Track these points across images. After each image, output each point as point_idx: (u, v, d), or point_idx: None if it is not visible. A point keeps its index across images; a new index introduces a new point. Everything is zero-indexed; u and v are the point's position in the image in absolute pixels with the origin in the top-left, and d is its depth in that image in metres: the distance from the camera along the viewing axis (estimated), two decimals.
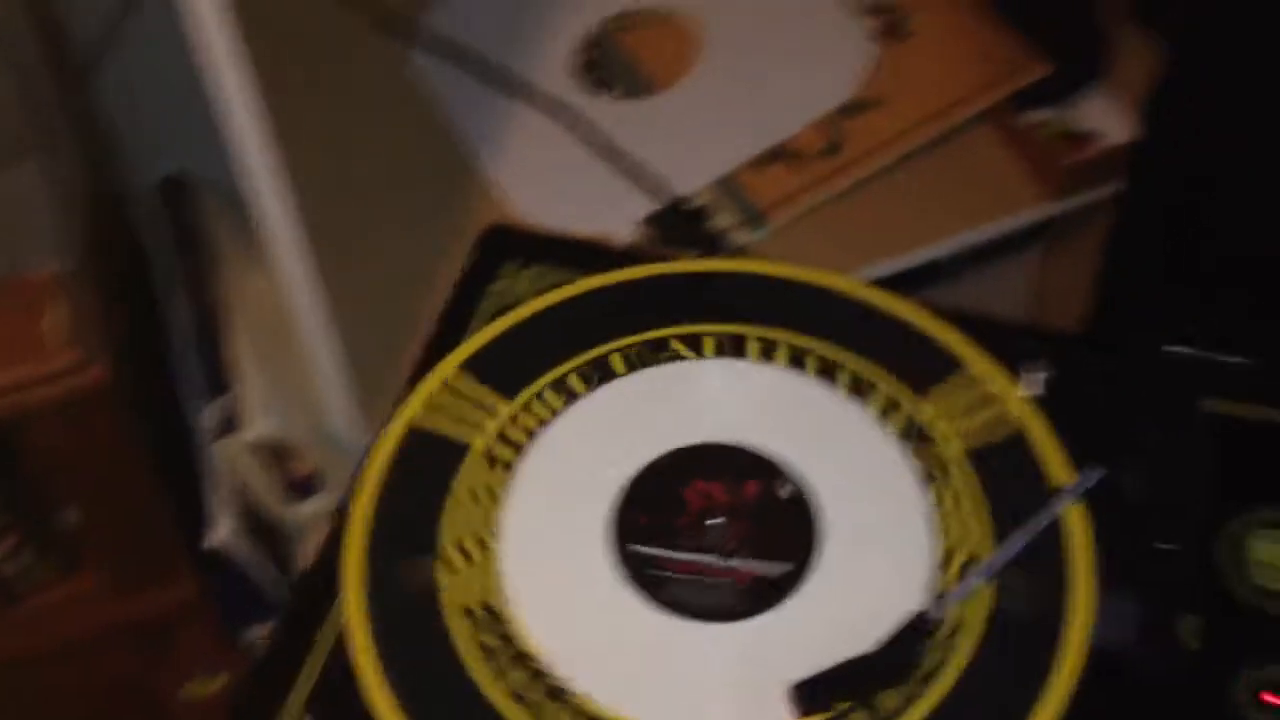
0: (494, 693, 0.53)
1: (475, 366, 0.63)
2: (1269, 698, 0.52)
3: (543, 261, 0.68)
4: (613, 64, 1.15)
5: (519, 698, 0.53)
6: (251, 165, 0.77)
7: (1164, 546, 0.56)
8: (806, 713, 0.51)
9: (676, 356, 0.63)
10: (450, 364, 0.63)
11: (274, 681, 0.55)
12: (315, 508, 0.90)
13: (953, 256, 1.07)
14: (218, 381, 0.90)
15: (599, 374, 0.63)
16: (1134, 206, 0.91)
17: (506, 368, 0.63)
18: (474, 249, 0.69)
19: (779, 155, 1.07)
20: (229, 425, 0.84)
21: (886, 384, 0.61)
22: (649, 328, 0.64)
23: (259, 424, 0.84)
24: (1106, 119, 1.06)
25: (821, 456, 0.59)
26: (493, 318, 0.66)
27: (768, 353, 0.63)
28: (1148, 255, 0.89)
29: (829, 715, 0.51)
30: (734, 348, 0.63)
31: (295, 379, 0.90)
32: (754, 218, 1.02)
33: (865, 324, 0.64)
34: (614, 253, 0.72)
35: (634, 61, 1.15)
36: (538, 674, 0.53)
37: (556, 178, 1.08)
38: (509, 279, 0.68)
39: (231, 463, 0.85)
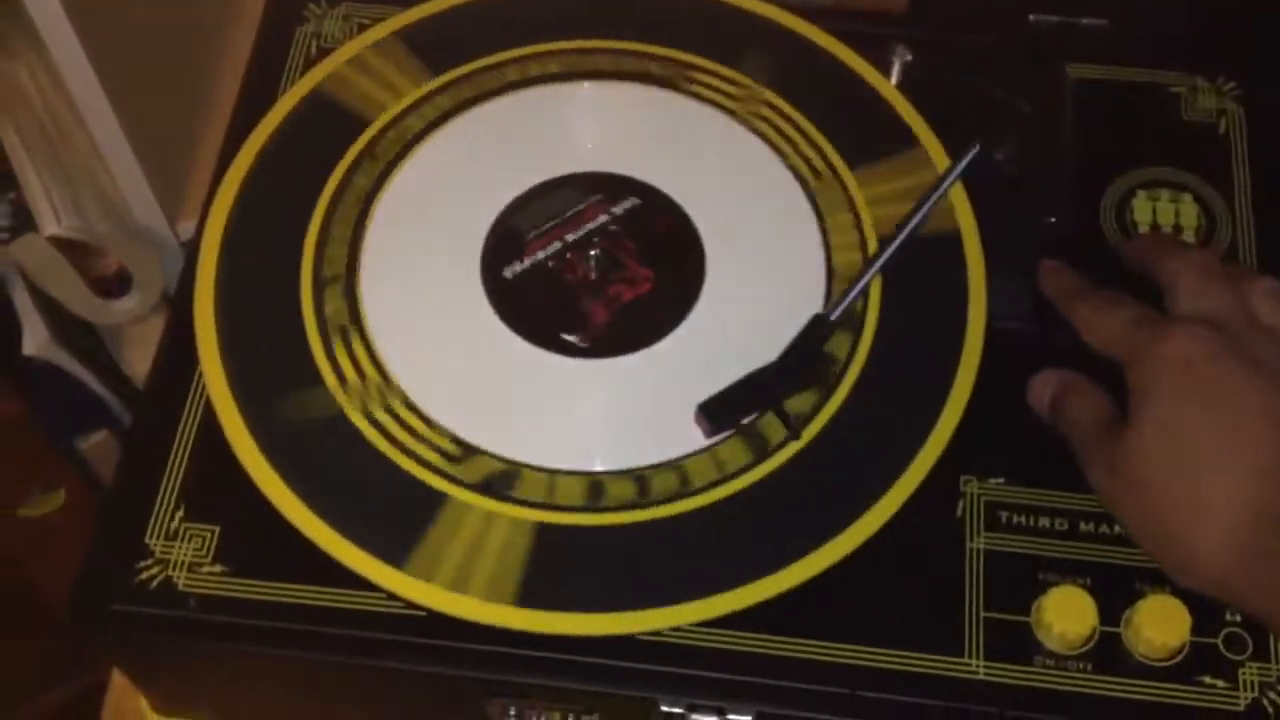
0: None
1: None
2: None
3: None
4: None
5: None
6: None
7: (1046, 219, 0.54)
8: (715, 430, 0.49)
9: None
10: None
11: (140, 488, 0.51)
12: (129, 306, 0.83)
13: None
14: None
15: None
16: None
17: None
18: None
19: None
20: (22, 224, 0.77)
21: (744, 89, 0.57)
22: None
23: (56, 220, 0.76)
24: None
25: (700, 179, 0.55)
26: (308, 63, 0.60)
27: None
28: None
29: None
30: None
31: (82, 176, 0.82)
32: None
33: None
34: None
35: None
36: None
37: None
38: (315, 20, 0.62)
39: (34, 263, 0.77)
